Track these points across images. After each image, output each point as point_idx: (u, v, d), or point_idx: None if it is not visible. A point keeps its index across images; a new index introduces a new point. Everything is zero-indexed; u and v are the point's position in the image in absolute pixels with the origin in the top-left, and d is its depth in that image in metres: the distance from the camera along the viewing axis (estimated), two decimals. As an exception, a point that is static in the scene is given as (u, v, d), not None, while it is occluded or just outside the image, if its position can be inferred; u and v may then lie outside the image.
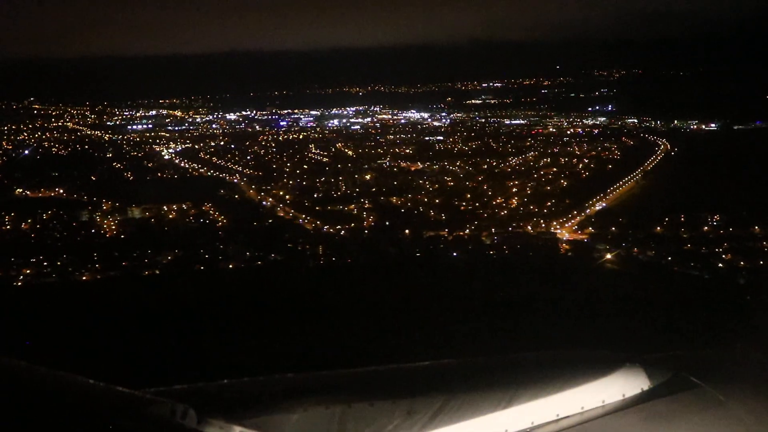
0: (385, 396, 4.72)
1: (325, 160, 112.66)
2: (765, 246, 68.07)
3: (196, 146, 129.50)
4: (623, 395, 5.18)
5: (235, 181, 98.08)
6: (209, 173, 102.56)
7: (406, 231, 73.95)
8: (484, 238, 72.09)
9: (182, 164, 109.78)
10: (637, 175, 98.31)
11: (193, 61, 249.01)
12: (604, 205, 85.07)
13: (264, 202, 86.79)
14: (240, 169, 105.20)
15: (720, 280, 59.26)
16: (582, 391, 5.08)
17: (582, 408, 5.04)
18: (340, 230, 75.26)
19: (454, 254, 67.23)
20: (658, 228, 73.04)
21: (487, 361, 5.70)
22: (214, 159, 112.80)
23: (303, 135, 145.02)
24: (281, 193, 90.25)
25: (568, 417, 5.01)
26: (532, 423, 4.92)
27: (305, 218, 79.57)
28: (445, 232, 73.53)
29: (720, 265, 63.58)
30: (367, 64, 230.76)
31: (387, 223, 77.92)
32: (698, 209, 78.47)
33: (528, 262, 64.33)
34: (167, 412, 3.98)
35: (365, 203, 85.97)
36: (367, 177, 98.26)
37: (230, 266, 62.87)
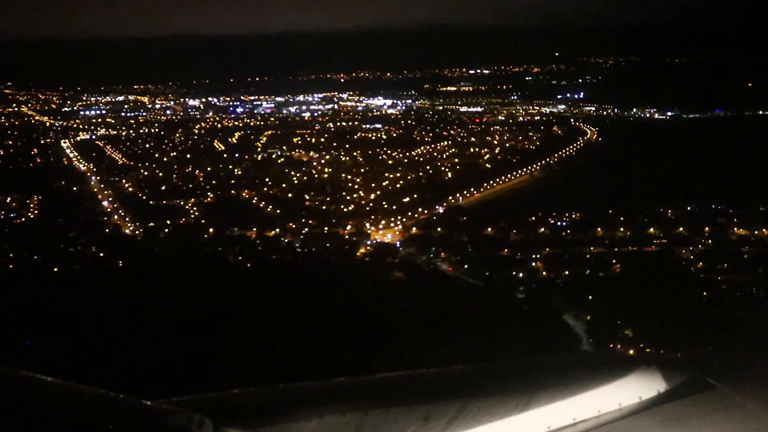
0: (401, 402, 4.65)
1: (221, 148, 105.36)
2: (591, 251, 58.44)
3: (115, 134, 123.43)
4: (640, 398, 5.12)
5: (89, 173, 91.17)
6: (82, 164, 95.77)
7: (213, 229, 66.20)
8: (286, 239, 64.07)
9: (69, 153, 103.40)
10: (535, 168, 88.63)
11: (173, 46, 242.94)
12: (465, 201, 75.85)
13: (100, 195, 79.64)
14: (117, 158, 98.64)
15: (498, 292, 50.79)
16: (598, 394, 5.02)
17: (599, 411, 4.98)
18: (149, 228, 67.80)
19: (231, 258, 59.38)
20: (490, 230, 63.64)
21: (502, 366, 5.97)
22: (108, 148, 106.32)
23: (243, 123, 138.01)
24: (127, 185, 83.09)
25: (584, 421, 4.92)
26: (549, 427, 4.83)
27: (124, 214, 72.21)
28: (253, 233, 65.53)
29: (521, 275, 54.52)
30: (351, 49, 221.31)
31: (203, 220, 70.08)
32: (569, 207, 69.39)
33: (299, 266, 57.08)
34: (183, 422, 3.93)
35: (209, 197, 78.43)
36: (238, 168, 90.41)
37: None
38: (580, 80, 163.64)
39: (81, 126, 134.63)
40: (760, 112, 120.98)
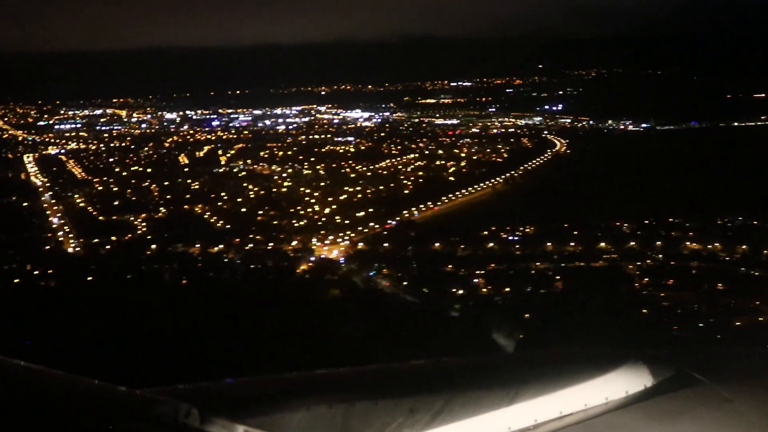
0: (388, 394, 4.58)
1: (185, 162, 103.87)
2: (537, 266, 56.91)
3: (84, 147, 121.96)
4: (626, 392, 5.03)
5: (44, 188, 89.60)
6: (39, 179, 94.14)
7: (156, 245, 64.67)
8: (229, 255, 62.54)
9: (29, 167, 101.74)
10: (498, 181, 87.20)
11: (154, 59, 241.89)
12: (421, 215, 74.34)
13: (50, 211, 78.06)
14: (77, 172, 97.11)
15: (432, 310, 49.24)
16: (585, 388, 4.96)
17: (585, 405, 4.90)
18: (91, 245, 66.28)
19: (167, 275, 57.78)
20: (438, 245, 62.12)
21: (489, 359, 6.14)
22: (71, 162, 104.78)
23: (216, 136, 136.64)
24: (79, 200, 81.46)
25: (571, 414, 4.86)
26: (536, 420, 4.77)
27: (69, 230, 70.61)
28: (197, 249, 63.95)
29: (460, 291, 52.98)
30: (333, 62, 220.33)
31: (149, 236, 68.49)
32: (524, 221, 68.11)
33: (235, 284, 55.66)
34: (171, 412, 3.83)
35: (161, 212, 76.90)
36: (197, 182, 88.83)
37: None
38: (561, 92, 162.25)
39: (53, 140, 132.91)
40: (735, 124, 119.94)
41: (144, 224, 72.61)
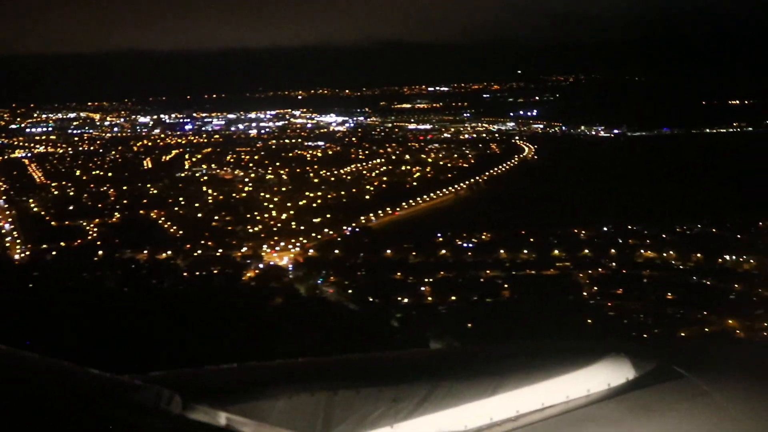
0: (371, 383, 4.58)
1: (149, 166, 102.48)
2: (487, 274, 55.81)
3: (52, 151, 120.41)
4: (608, 385, 5.02)
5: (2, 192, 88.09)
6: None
7: (103, 251, 63.31)
8: (177, 262, 61.21)
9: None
10: (461, 186, 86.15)
11: (131, 63, 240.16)
12: (378, 221, 73.20)
13: (0, 215, 76.49)
14: (37, 177, 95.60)
15: (373, 319, 47.95)
16: (567, 380, 4.93)
17: (567, 397, 4.89)
18: (38, 251, 64.80)
19: (109, 282, 56.28)
20: (390, 252, 60.97)
21: (472, 350, 6.15)
22: (32, 166, 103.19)
23: (186, 140, 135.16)
24: (33, 205, 79.96)
25: (553, 406, 4.84)
26: (517, 411, 4.76)
27: (18, 235, 69.15)
28: (144, 255, 62.59)
29: (405, 300, 51.80)
30: (311, 66, 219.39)
31: (99, 242, 67.07)
32: (482, 228, 67.11)
33: (178, 291, 54.25)
34: (152, 397, 3.81)
35: (115, 217, 75.48)
36: (156, 187, 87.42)
37: None
38: (537, 98, 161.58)
39: (21, 144, 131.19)
40: (707, 131, 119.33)
41: (96, 229, 71.05)
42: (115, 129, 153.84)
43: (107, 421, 3.63)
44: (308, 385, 4.43)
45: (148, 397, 3.79)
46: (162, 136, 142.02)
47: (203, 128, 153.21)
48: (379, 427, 4.49)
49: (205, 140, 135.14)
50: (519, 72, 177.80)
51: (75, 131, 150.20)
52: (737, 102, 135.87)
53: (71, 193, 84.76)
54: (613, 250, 59.85)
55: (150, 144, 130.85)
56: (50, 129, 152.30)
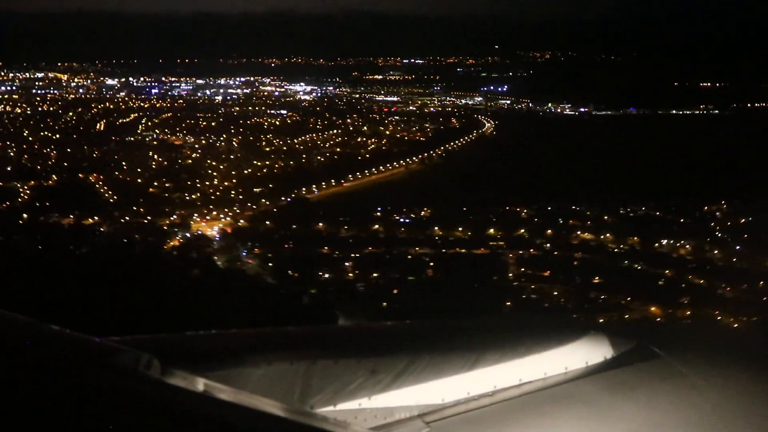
0: (350, 354, 4.60)
1: (100, 129, 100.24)
2: (416, 251, 54.23)
3: (8, 110, 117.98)
4: (586, 363, 5.12)
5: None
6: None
7: (27, 215, 61.40)
8: (102, 228, 59.34)
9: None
10: (413, 160, 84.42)
11: (105, 24, 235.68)
12: (321, 193, 71.50)
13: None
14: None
15: (287, 294, 46.33)
16: (545, 357, 5.00)
17: (545, 374, 4.98)
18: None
19: (23, 246, 54.39)
20: (322, 225, 59.33)
21: (452, 323, 6.33)
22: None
23: (149, 104, 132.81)
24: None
25: (530, 382, 4.93)
26: (495, 387, 4.84)
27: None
28: (70, 219, 60.73)
29: (326, 275, 50.21)
30: (284, 34, 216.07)
31: (30, 205, 65.23)
32: (424, 203, 65.54)
33: (93, 258, 52.61)
34: (131, 361, 3.76)
35: (51, 179, 73.45)
36: (101, 150, 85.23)
37: None
38: (510, 73, 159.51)
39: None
40: (673, 112, 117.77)
41: (29, 192, 68.98)
42: (80, 91, 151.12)
43: (85, 381, 3.51)
44: (287, 354, 4.38)
45: (127, 360, 3.68)
46: (125, 99, 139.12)
47: (170, 93, 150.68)
48: (357, 398, 4.44)
49: (168, 105, 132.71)
50: (496, 47, 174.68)
51: (39, 91, 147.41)
52: (708, 84, 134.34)
53: (11, 154, 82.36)
54: (549, 231, 58.18)
55: (111, 107, 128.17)
56: (14, 88, 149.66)
